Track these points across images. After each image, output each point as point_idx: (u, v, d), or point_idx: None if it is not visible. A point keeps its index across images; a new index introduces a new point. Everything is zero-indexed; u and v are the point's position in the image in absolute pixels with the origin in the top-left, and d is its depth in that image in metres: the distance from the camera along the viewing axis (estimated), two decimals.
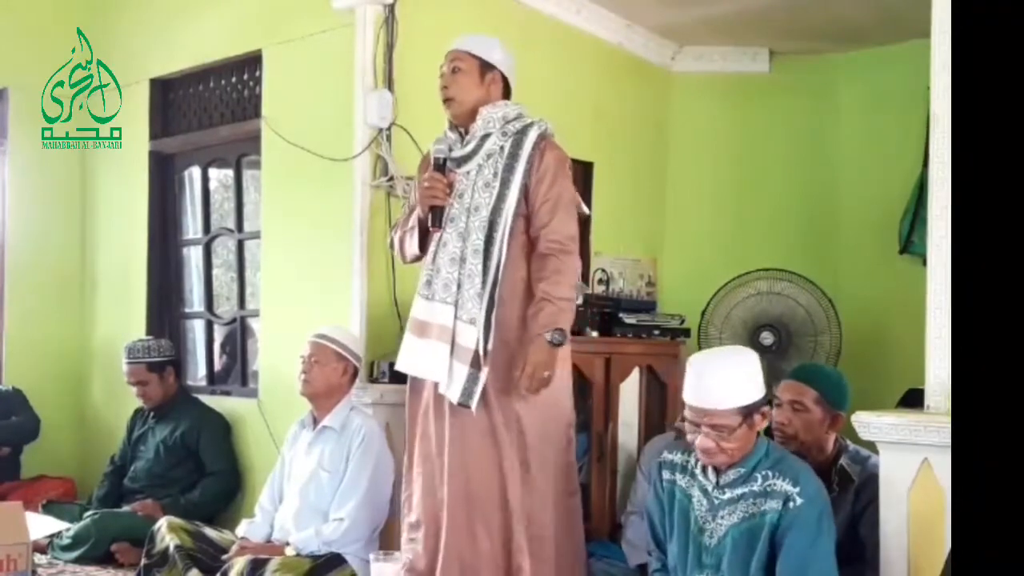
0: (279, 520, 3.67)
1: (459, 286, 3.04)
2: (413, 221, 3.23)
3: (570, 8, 4.51)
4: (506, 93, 3.21)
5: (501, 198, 3.04)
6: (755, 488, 2.63)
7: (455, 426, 3.10)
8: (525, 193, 3.06)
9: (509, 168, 3.05)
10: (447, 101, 3.17)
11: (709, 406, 2.61)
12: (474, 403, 3.01)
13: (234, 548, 3.58)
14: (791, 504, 2.57)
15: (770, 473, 2.63)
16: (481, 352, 3.00)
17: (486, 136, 3.10)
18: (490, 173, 3.08)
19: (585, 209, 3.27)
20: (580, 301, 3.92)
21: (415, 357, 3.13)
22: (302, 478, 3.66)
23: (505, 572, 3.08)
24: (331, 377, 3.67)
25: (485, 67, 3.16)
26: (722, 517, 2.66)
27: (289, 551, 3.48)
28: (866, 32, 4.56)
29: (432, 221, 3.13)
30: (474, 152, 3.11)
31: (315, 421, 3.72)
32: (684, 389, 2.69)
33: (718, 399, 2.60)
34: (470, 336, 3.01)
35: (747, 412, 2.61)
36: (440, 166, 3.15)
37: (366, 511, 3.54)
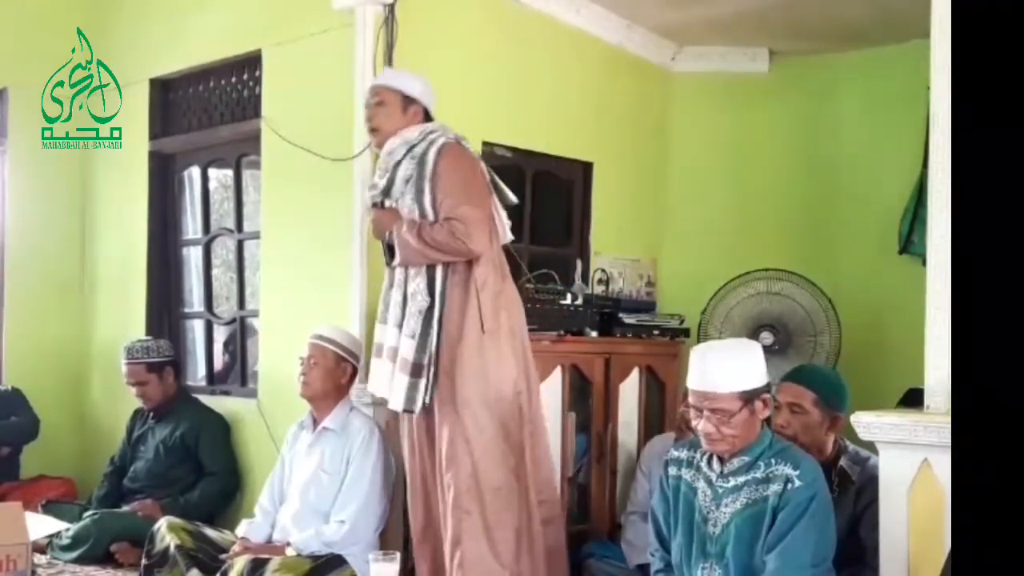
0: (279, 521, 3.67)
1: (404, 307, 3.27)
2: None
3: (570, 8, 4.50)
4: (427, 119, 3.41)
5: (423, 218, 3.23)
6: (758, 475, 2.66)
7: (432, 433, 3.31)
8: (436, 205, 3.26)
9: (419, 190, 3.25)
10: (372, 132, 3.40)
11: (710, 389, 2.65)
12: (417, 407, 3.22)
13: (235, 548, 3.58)
14: (790, 486, 2.60)
15: (773, 460, 2.66)
16: (424, 362, 3.19)
17: (398, 164, 3.29)
18: (410, 198, 3.27)
19: (512, 197, 3.44)
20: (580, 301, 3.93)
21: (374, 378, 3.39)
22: (302, 479, 3.65)
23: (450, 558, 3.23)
24: (331, 379, 3.67)
25: (407, 100, 3.37)
26: (726, 505, 2.69)
27: (290, 551, 3.48)
28: (866, 32, 4.56)
29: (387, 260, 3.36)
30: (391, 182, 3.31)
31: (315, 422, 3.71)
32: (688, 376, 2.73)
33: (719, 383, 2.64)
34: (409, 347, 3.22)
35: (748, 397, 2.64)
36: (379, 206, 3.40)
37: (367, 513, 3.54)
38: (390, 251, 3.32)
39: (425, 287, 3.23)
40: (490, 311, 3.23)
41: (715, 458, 2.74)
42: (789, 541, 2.56)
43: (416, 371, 3.19)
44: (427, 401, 3.21)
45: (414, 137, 3.30)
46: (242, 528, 3.74)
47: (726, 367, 2.65)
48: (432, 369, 3.20)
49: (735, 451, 2.68)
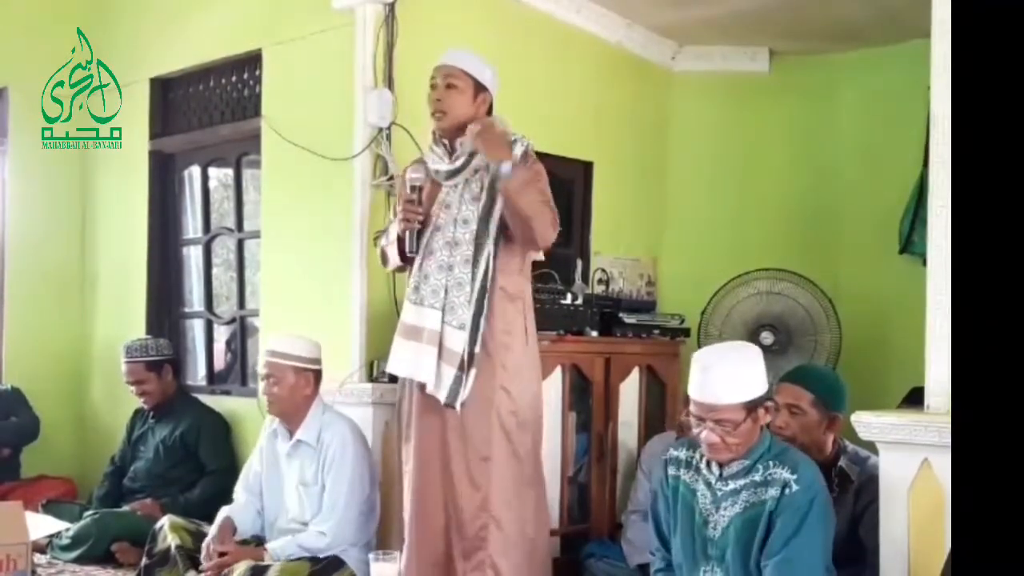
0: (263, 521, 3.67)
1: (446, 292, 3.19)
2: (394, 236, 3.34)
3: (570, 8, 4.50)
4: (488, 111, 3.32)
5: (488, 211, 3.19)
6: (756, 478, 2.65)
7: (421, 427, 3.24)
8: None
9: (495, 184, 3.17)
10: (438, 113, 3.27)
11: (715, 401, 2.63)
12: (458, 404, 3.15)
13: (213, 550, 3.48)
14: (787, 491, 2.59)
15: (772, 463, 2.65)
16: (466, 356, 3.14)
17: (474, 152, 3.21)
18: (477, 187, 3.22)
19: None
20: (580, 301, 3.93)
21: (404, 359, 3.26)
22: (283, 490, 3.63)
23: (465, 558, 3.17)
24: (294, 393, 3.57)
25: (479, 88, 3.27)
26: (725, 508, 2.68)
27: (267, 558, 3.43)
28: (866, 32, 4.56)
29: (408, 247, 3.24)
30: (463, 167, 3.23)
31: (290, 433, 3.64)
32: (689, 385, 2.71)
33: (723, 394, 2.62)
34: (458, 340, 3.15)
35: (752, 406, 2.63)
36: (418, 192, 3.27)
37: (348, 521, 3.49)
38: (418, 238, 3.23)
39: (469, 279, 3.16)
40: (531, 323, 3.27)
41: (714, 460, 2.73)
42: (796, 545, 2.55)
43: (462, 365, 3.14)
44: (465, 397, 3.15)
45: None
46: (222, 513, 3.67)
47: (730, 378, 2.63)
48: (472, 366, 3.14)
49: (737, 458, 2.68)
